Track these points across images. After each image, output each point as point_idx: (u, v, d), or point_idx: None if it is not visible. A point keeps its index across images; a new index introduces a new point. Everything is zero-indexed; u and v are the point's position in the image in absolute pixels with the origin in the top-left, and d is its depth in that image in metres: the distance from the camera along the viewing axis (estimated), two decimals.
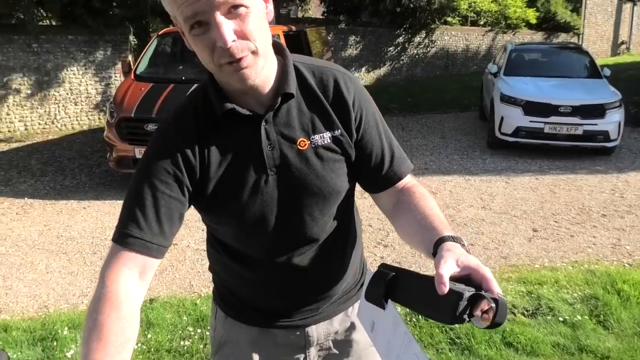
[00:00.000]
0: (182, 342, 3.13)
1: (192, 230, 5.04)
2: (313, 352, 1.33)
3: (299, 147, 1.12)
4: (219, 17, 0.95)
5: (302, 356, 1.33)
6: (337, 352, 1.35)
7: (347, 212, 1.27)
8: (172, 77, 7.02)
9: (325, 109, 1.14)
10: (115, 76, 10.89)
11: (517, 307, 3.48)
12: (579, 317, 3.34)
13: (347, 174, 1.19)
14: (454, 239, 0.99)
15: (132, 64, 7.82)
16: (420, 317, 3.30)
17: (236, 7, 0.96)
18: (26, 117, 10.02)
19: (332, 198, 1.18)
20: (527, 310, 3.46)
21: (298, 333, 1.30)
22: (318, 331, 1.32)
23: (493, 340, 3.07)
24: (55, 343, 3.08)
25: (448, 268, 0.89)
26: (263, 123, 1.10)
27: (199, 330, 3.23)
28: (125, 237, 1.04)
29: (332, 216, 1.21)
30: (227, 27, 0.96)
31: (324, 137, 1.13)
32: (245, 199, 1.12)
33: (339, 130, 1.15)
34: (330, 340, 1.34)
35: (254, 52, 1.00)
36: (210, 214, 1.18)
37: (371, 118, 1.18)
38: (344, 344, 1.34)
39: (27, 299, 3.81)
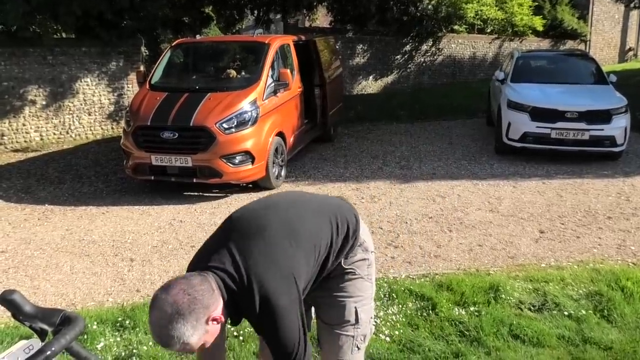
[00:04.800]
0: None
1: None
2: None
3: None
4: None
5: None
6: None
7: None
8: (186, 86, 7.22)
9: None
10: (128, 86, 11.14)
11: (524, 303, 3.62)
12: (584, 312, 3.47)
13: None
14: None
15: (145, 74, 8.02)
16: (431, 312, 3.46)
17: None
18: (41, 127, 10.26)
19: None
20: (533, 306, 3.59)
21: None
22: None
23: (501, 332, 3.21)
24: (85, 337, 3.25)
25: None
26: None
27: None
28: None
29: None
30: None
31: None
32: None
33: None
34: None
35: None
36: None
37: (262, 328, 1.75)
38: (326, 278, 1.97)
39: (55, 297, 3.99)
